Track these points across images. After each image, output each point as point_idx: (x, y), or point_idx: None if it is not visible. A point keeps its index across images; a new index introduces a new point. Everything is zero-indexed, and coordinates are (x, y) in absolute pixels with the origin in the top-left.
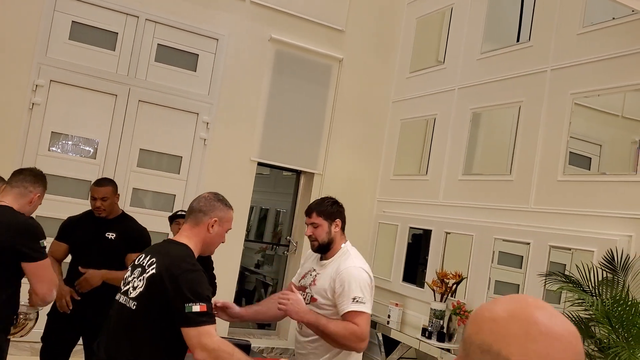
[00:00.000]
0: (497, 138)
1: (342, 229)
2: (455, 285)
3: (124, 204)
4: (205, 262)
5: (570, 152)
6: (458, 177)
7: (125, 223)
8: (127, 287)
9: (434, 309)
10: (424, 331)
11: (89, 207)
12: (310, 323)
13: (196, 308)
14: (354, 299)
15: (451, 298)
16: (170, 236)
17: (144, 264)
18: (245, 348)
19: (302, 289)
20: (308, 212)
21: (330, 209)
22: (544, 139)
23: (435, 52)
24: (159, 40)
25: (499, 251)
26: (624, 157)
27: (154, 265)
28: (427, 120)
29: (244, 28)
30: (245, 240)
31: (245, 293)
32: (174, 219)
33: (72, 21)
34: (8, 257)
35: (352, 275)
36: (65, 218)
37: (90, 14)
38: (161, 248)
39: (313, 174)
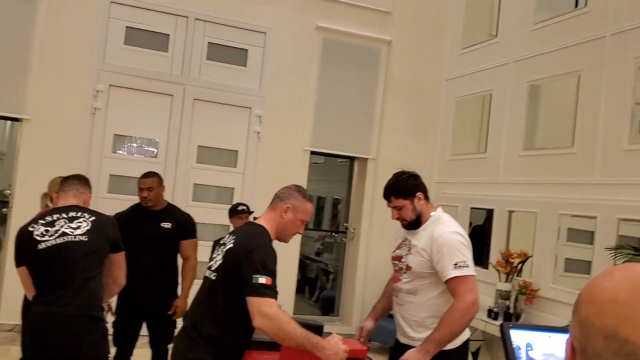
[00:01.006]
0: (557, 110)
1: (427, 198)
2: (520, 265)
3: (187, 200)
4: None
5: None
6: (518, 153)
7: (176, 212)
8: (211, 262)
9: (500, 290)
10: (490, 312)
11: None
12: (433, 350)
13: (262, 280)
14: (456, 264)
15: (517, 278)
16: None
17: (226, 242)
18: (318, 329)
19: (398, 258)
20: (386, 197)
21: (407, 186)
22: (607, 107)
23: (487, 25)
24: (209, 38)
25: (568, 228)
26: None
27: (233, 241)
28: (483, 96)
29: (290, 19)
30: (305, 229)
31: (308, 281)
32: (235, 213)
33: (126, 26)
34: (107, 250)
35: (449, 240)
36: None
37: (142, 18)
38: (241, 228)
39: (366, 159)
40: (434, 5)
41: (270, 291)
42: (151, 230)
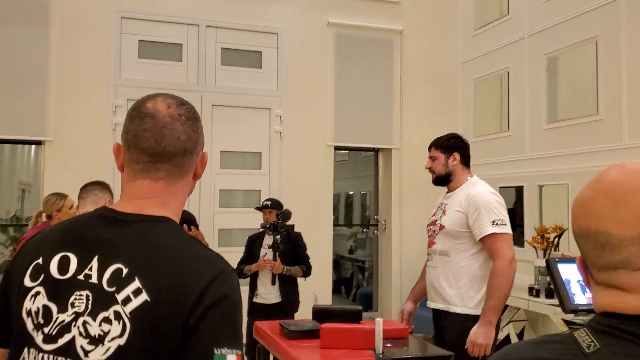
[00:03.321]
0: (577, 79)
1: (464, 163)
2: (557, 239)
3: (214, 206)
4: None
5: None
6: (543, 127)
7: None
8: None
9: (539, 266)
10: (531, 290)
11: None
12: (494, 318)
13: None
14: (494, 221)
15: (555, 252)
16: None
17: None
18: (357, 313)
19: (433, 223)
20: (429, 147)
21: (447, 142)
22: (628, 70)
23: (498, 4)
24: (221, 44)
25: None
26: None
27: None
28: (500, 74)
29: (301, 18)
30: (335, 226)
31: (344, 281)
32: (262, 209)
33: (139, 40)
34: None
35: (487, 199)
36: None
37: (154, 30)
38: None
39: (391, 149)
40: None
41: None
42: None
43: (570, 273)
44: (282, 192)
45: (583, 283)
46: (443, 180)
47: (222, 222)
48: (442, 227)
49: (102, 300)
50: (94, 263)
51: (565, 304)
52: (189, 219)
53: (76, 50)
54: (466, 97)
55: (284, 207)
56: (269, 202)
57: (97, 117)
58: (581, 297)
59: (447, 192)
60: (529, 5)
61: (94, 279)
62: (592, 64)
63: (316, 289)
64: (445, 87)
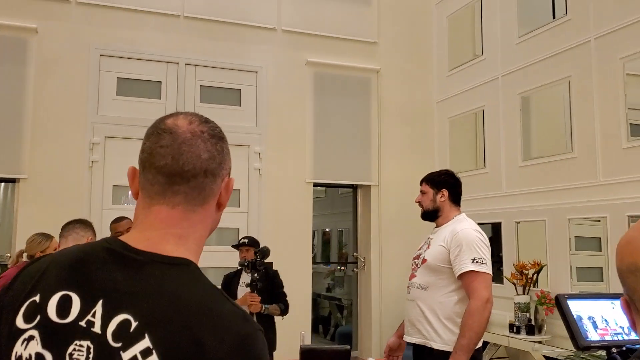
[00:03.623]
0: (552, 117)
1: (453, 200)
2: (535, 275)
3: None
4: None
5: (630, 123)
6: (518, 164)
7: None
8: None
9: (518, 303)
10: (512, 327)
11: None
12: (464, 357)
13: None
14: (474, 259)
15: (534, 288)
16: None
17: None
18: (345, 353)
19: (417, 257)
20: (421, 181)
21: (437, 178)
22: (601, 108)
23: (472, 46)
24: (201, 81)
25: (575, 236)
26: None
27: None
28: (475, 113)
29: (280, 56)
30: (313, 264)
31: (322, 320)
32: (239, 247)
33: (117, 77)
34: None
35: (470, 236)
36: None
37: (133, 68)
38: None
39: (369, 186)
40: (418, 31)
41: None
42: None
43: (580, 309)
44: (261, 229)
45: (629, 324)
46: (430, 215)
47: (200, 261)
48: (424, 260)
49: (104, 357)
50: (98, 308)
51: (578, 340)
52: None
53: (53, 87)
54: (442, 135)
55: (262, 245)
56: (246, 240)
57: (73, 154)
58: (593, 333)
59: (435, 227)
60: (502, 46)
61: (97, 328)
62: (566, 103)
63: (295, 327)
64: (422, 125)
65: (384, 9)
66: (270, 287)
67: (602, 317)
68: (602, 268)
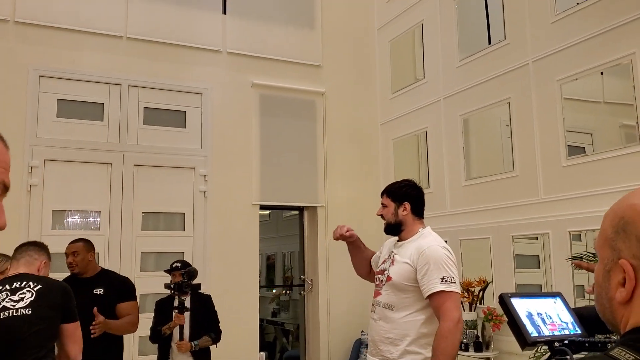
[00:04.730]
0: (493, 138)
1: (416, 213)
2: (481, 292)
3: (135, 270)
4: (204, 300)
5: (568, 145)
6: (462, 183)
7: (110, 276)
8: None
9: (465, 320)
10: (459, 344)
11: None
12: None
13: None
14: (443, 278)
15: (480, 306)
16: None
17: None
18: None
19: (381, 272)
20: (382, 193)
21: (399, 191)
22: (540, 128)
23: (413, 69)
24: (144, 103)
25: (516, 254)
26: (616, 140)
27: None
28: (417, 135)
29: (225, 78)
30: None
31: (267, 346)
32: (171, 271)
33: (57, 99)
34: (57, 321)
35: (437, 254)
36: None
37: (74, 90)
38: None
39: (316, 207)
40: (361, 55)
41: None
42: (82, 298)
43: (528, 307)
44: (207, 253)
45: (620, 296)
46: (393, 229)
47: (142, 286)
48: (389, 278)
49: None
50: None
51: (525, 336)
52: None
53: None
54: (386, 156)
55: (192, 266)
56: (179, 264)
57: (11, 178)
58: (544, 328)
59: (398, 241)
60: (443, 69)
61: None
62: (506, 124)
63: (242, 354)
64: (367, 147)
65: (328, 33)
66: (206, 313)
67: (547, 314)
68: (540, 285)
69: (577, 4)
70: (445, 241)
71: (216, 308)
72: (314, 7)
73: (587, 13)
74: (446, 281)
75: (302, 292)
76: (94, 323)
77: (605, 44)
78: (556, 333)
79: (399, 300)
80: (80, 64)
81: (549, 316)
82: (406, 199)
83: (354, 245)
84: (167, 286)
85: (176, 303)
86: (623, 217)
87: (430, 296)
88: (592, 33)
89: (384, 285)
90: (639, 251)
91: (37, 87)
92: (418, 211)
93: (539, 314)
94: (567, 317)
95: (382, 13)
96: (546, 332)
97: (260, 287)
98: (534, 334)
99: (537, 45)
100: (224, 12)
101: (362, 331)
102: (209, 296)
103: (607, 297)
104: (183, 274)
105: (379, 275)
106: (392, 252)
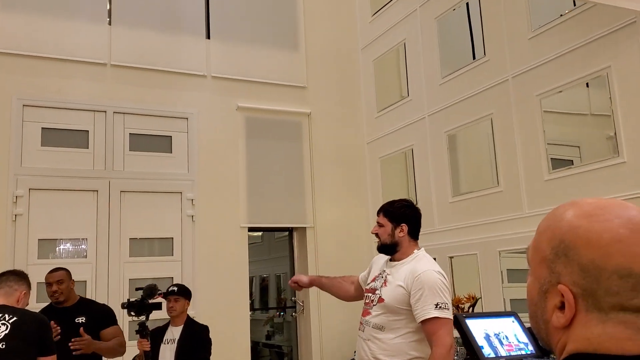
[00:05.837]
0: (477, 153)
1: (412, 235)
2: (471, 309)
3: (122, 297)
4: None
5: (551, 158)
6: (448, 200)
7: (90, 305)
8: None
9: (457, 337)
10: None
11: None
12: None
13: None
14: (437, 304)
15: None
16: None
17: None
18: None
19: (372, 291)
20: (378, 211)
21: (397, 212)
22: (522, 143)
23: (398, 87)
24: (129, 129)
25: (508, 269)
26: (603, 152)
27: None
28: (404, 152)
29: (210, 102)
30: (251, 311)
31: None
32: (167, 295)
33: (42, 128)
34: (33, 355)
35: (432, 280)
36: None
37: (58, 118)
38: None
39: (305, 228)
40: (346, 75)
41: None
42: (64, 328)
43: (485, 327)
44: (196, 277)
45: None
46: (388, 249)
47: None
48: (381, 299)
49: None
50: None
51: (480, 357)
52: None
53: None
54: (374, 175)
55: (191, 293)
56: (175, 288)
57: None
58: (501, 349)
59: (391, 261)
60: (427, 87)
61: None
62: (490, 139)
63: None
64: (354, 166)
65: (312, 55)
66: (194, 342)
67: (504, 334)
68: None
69: (561, 15)
70: (434, 258)
71: None
72: (298, 28)
73: (562, 29)
74: (440, 307)
75: (293, 313)
76: (76, 339)
77: (581, 58)
78: (513, 353)
79: (390, 322)
80: (64, 92)
81: (506, 337)
82: (404, 220)
83: (317, 284)
84: (122, 305)
85: (171, 336)
86: (563, 240)
87: (423, 322)
88: (569, 48)
89: (374, 305)
90: (580, 279)
91: (21, 117)
92: (414, 233)
93: (496, 335)
94: (523, 337)
95: (365, 33)
96: (503, 352)
97: (254, 309)
98: (491, 355)
99: (515, 61)
100: (208, 37)
101: (355, 352)
102: (206, 327)
103: (542, 319)
104: (143, 291)
105: (369, 294)
106: (384, 271)
